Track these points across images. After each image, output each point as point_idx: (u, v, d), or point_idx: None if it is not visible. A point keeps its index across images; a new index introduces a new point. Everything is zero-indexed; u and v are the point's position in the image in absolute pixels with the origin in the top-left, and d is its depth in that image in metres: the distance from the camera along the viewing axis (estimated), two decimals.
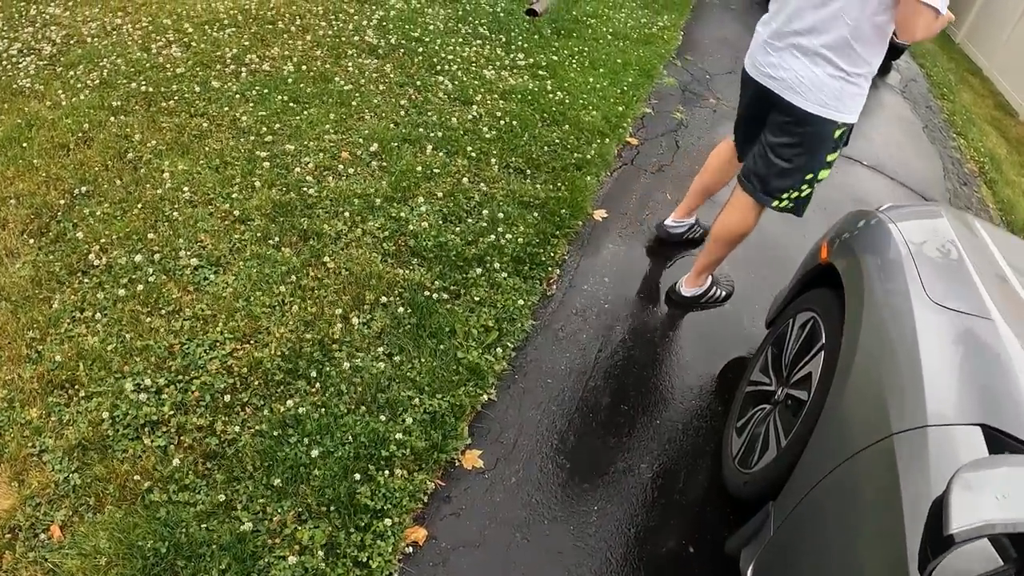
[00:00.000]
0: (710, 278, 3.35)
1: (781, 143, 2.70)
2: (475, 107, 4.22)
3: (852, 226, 2.57)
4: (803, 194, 2.81)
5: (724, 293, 3.47)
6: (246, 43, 4.43)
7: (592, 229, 3.67)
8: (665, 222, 3.73)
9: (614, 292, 3.34)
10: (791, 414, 2.39)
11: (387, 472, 2.37)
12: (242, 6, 4.86)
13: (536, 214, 3.51)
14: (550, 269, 3.28)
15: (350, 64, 4.38)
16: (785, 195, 2.81)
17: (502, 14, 5.54)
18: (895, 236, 2.30)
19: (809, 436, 2.11)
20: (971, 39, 10.53)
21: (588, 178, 3.88)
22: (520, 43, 5.16)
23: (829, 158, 2.70)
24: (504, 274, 3.14)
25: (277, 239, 3.11)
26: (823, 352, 2.30)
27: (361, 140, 3.74)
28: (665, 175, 4.35)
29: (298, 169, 3.50)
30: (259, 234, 3.12)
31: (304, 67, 4.26)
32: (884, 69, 8.13)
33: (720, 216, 3.05)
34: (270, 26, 4.68)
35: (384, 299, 2.93)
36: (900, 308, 1.98)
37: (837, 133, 2.63)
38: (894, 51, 8.10)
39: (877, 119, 6.75)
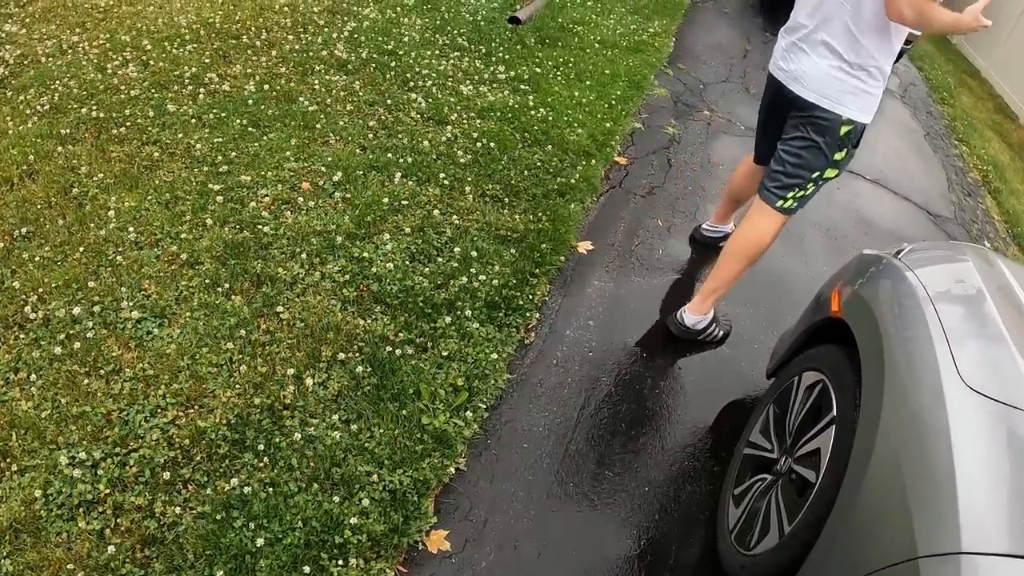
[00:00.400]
0: (713, 311, 3.15)
1: (789, 137, 2.75)
2: (450, 127, 3.92)
3: (865, 273, 2.30)
4: (807, 192, 2.80)
5: (722, 333, 3.24)
6: (207, 60, 4.13)
7: (576, 264, 3.38)
8: (702, 225, 3.74)
9: (599, 337, 3.05)
10: (796, 494, 2.12)
11: (341, 562, 2.10)
12: (206, 19, 4.56)
13: (513, 250, 3.22)
14: (528, 314, 3.00)
15: (317, 82, 4.09)
16: (791, 194, 2.80)
17: (483, 23, 5.24)
18: (918, 291, 2.02)
19: (817, 527, 1.84)
20: (968, 39, 10.29)
21: (572, 205, 3.59)
22: (501, 54, 4.86)
23: (836, 156, 2.68)
24: (476, 323, 2.85)
25: (227, 286, 2.83)
26: (834, 427, 2.02)
27: (324, 168, 3.45)
28: (656, 198, 4.06)
29: (253, 204, 3.21)
30: (208, 280, 2.84)
31: (267, 86, 3.96)
32: None
33: (735, 231, 2.99)
34: (234, 41, 4.38)
35: (342, 355, 2.64)
36: (929, 391, 1.70)
37: (843, 130, 2.62)
38: None
39: (878, 127, 6.47)
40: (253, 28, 4.58)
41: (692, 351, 3.15)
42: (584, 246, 3.49)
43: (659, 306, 3.34)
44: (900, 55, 8.16)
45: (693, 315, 3.13)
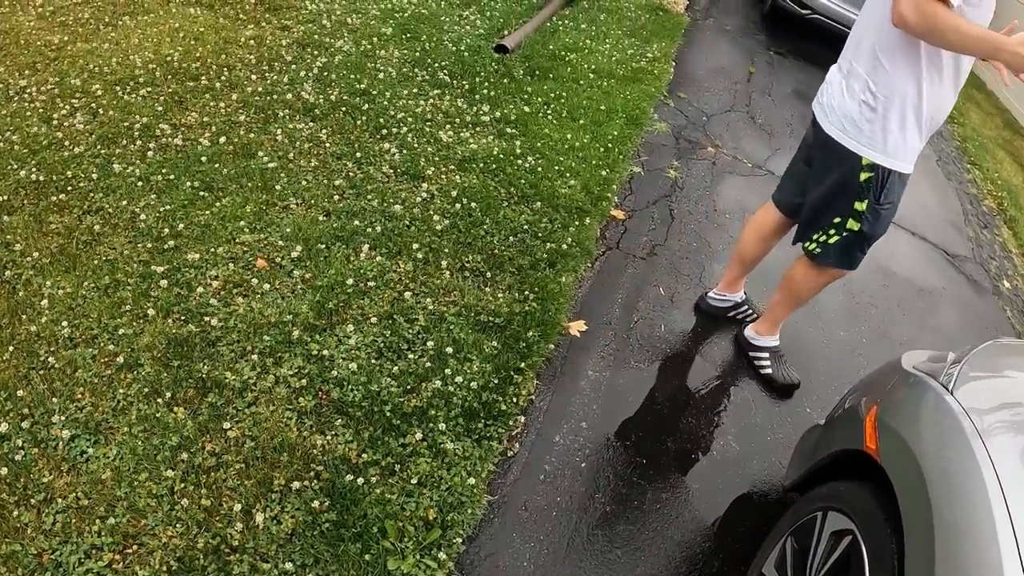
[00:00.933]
0: (773, 340, 3.17)
1: (813, 173, 2.61)
2: (426, 184, 3.54)
3: (908, 404, 1.92)
4: (831, 240, 2.61)
5: (779, 378, 3.16)
6: (160, 108, 3.74)
7: (568, 351, 3.00)
8: (708, 293, 3.45)
9: (593, 443, 2.68)
10: None
11: None
12: (163, 57, 4.16)
13: (495, 342, 2.84)
14: (512, 421, 2.61)
15: (280, 131, 3.69)
16: (816, 236, 2.66)
17: (467, 53, 4.85)
18: (975, 450, 1.63)
19: None
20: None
21: (564, 278, 3.21)
22: (486, 90, 4.47)
23: (856, 206, 2.46)
24: (451, 437, 2.48)
25: (169, 394, 2.48)
26: None
27: (282, 241, 3.06)
28: (658, 260, 3.68)
29: (201, 289, 2.84)
30: (148, 387, 2.49)
31: (223, 138, 3.57)
32: None
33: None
34: (192, 83, 3.98)
35: (297, 484, 2.28)
36: None
37: (862, 176, 2.40)
38: None
39: None
40: (214, 66, 4.18)
41: (697, 452, 2.79)
42: (576, 327, 3.10)
43: (661, 396, 2.96)
44: None
45: (757, 332, 3.16)
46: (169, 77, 4.03)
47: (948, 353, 2.09)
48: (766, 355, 3.19)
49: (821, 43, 8.05)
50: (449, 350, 2.78)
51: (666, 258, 3.72)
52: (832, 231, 2.60)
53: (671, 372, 3.09)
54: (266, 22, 4.77)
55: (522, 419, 2.70)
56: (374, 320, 2.85)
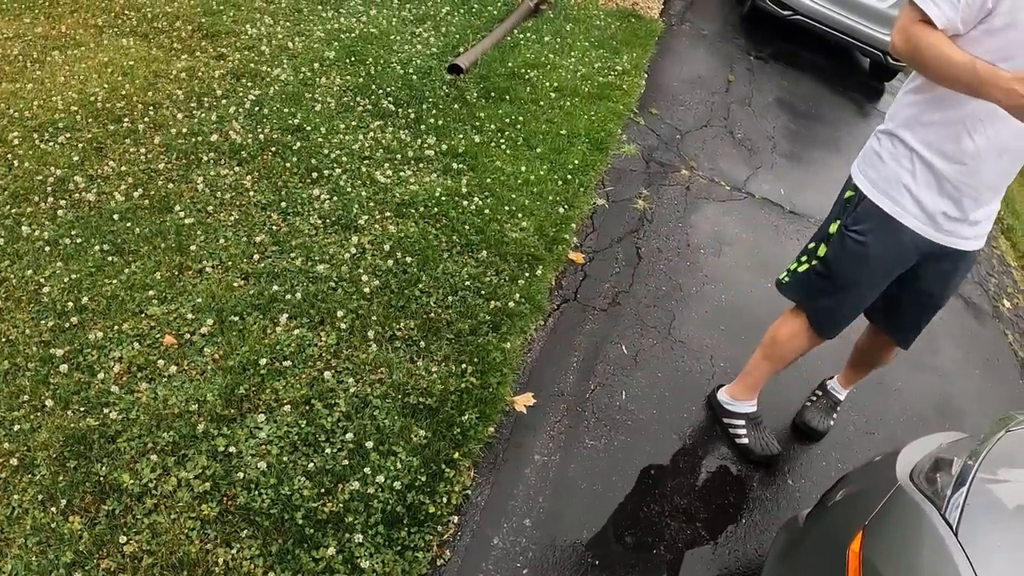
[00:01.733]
0: (750, 405, 2.91)
1: None
2: (358, 236, 3.19)
3: (890, 526, 1.60)
4: (800, 267, 2.50)
5: (756, 449, 2.88)
6: (76, 158, 3.41)
7: (512, 431, 2.65)
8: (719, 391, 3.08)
9: (538, 543, 2.36)
10: None
11: None
12: (88, 97, 3.81)
13: (425, 429, 2.50)
14: (442, 525, 2.26)
15: (201, 179, 3.35)
16: (791, 264, 2.57)
17: (415, 76, 4.50)
18: None
19: None
20: None
21: (509, 343, 2.86)
22: (434, 118, 4.12)
23: (831, 228, 2.36)
24: (370, 550, 2.17)
25: (65, 501, 2.17)
26: None
27: (192, 314, 2.73)
28: (621, 310, 3.33)
29: (102, 374, 2.54)
30: (43, 493, 2.18)
31: (140, 191, 3.25)
32: (876, 93, 7.15)
33: None
34: (114, 126, 3.64)
35: None
36: None
37: (846, 195, 2.33)
38: (886, 71, 7.14)
39: None
40: (140, 105, 3.83)
41: (659, 547, 2.48)
42: (523, 401, 2.75)
43: (619, 481, 2.61)
44: (894, 74, 7.56)
45: (727, 394, 2.94)
46: (90, 120, 3.69)
47: (953, 459, 1.73)
48: (742, 422, 2.90)
49: (803, 45, 7.72)
50: (370, 444, 2.43)
51: (631, 307, 3.37)
52: (803, 258, 2.49)
53: (631, 450, 2.75)
54: (201, 51, 4.42)
55: (455, 519, 2.35)
56: (288, 408, 2.51)
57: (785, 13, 7.03)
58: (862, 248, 2.26)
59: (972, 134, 1.97)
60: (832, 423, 3.10)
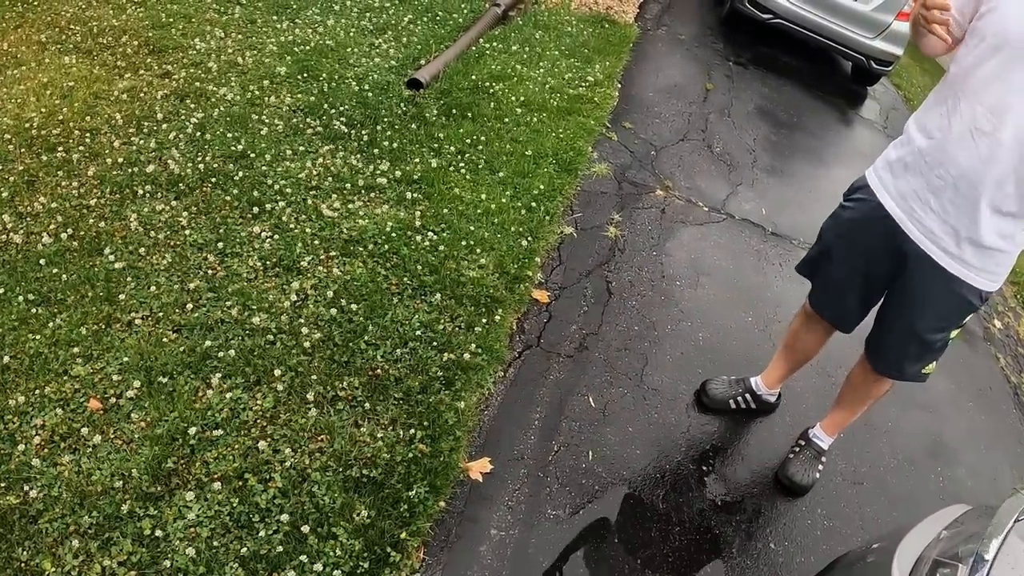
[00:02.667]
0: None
1: None
2: (300, 280, 2.95)
3: None
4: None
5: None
6: (6, 193, 3.16)
7: (466, 503, 2.43)
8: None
9: None
10: None
11: None
12: (23, 123, 3.55)
13: (368, 507, 2.29)
14: None
15: (135, 216, 3.11)
16: None
17: (371, 92, 4.25)
18: None
19: None
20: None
21: (463, 401, 2.64)
22: (389, 140, 3.88)
23: None
24: None
25: None
26: None
27: (118, 375, 2.52)
28: (589, 356, 3.11)
29: (23, 445, 2.32)
30: None
31: (69, 231, 3.01)
32: (858, 98, 6.97)
33: None
34: (48, 155, 3.39)
35: None
36: None
37: None
38: (869, 76, 6.96)
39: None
40: (77, 131, 3.57)
41: None
42: (479, 468, 2.53)
43: (586, 557, 2.40)
44: (877, 78, 7.39)
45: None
46: (23, 149, 3.43)
47: (958, 566, 1.52)
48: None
49: (783, 49, 7.53)
50: (307, 527, 2.19)
51: (599, 352, 3.14)
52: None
53: (599, 520, 2.53)
54: (146, 68, 4.16)
55: None
56: (219, 484, 2.28)
57: (765, 16, 6.83)
58: (843, 213, 2.41)
59: (950, 112, 2.02)
60: (817, 475, 2.89)
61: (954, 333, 2.35)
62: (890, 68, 7.07)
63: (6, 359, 2.53)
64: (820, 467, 2.93)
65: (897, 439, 3.34)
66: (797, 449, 2.94)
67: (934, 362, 2.44)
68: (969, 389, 3.94)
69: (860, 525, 2.91)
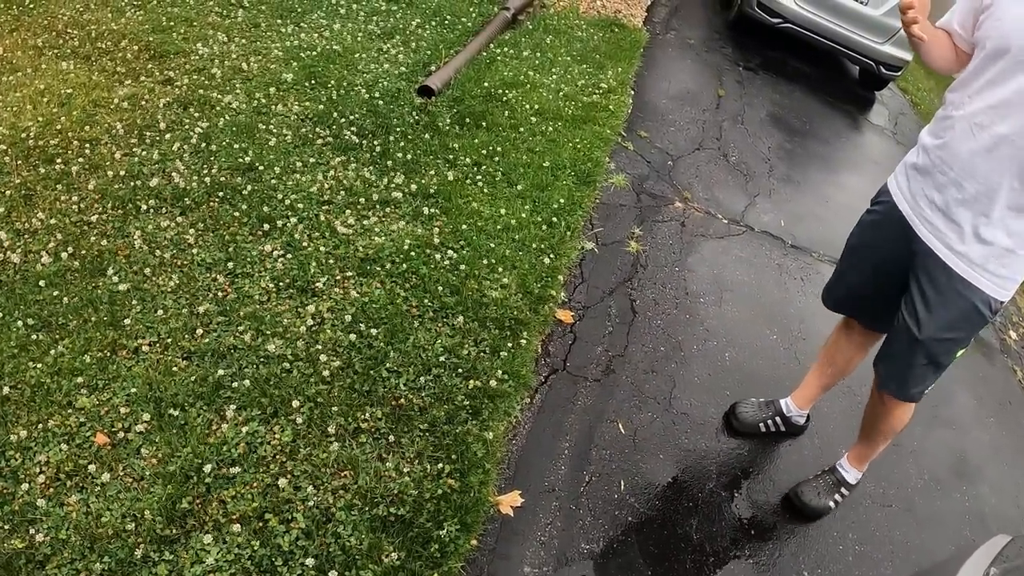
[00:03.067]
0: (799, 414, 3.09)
1: None
2: (316, 303, 2.82)
3: None
4: None
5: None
6: (2, 208, 3.01)
7: (497, 540, 2.32)
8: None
9: None
10: None
11: None
12: (20, 132, 3.42)
13: (397, 548, 2.18)
14: None
15: (139, 233, 2.97)
16: None
17: (382, 100, 4.12)
18: None
19: None
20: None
21: (490, 432, 2.52)
22: (402, 151, 3.76)
23: None
24: None
25: None
26: None
27: (126, 406, 2.40)
28: (616, 379, 3.00)
29: (26, 485, 2.18)
30: None
31: (70, 249, 2.89)
32: (866, 103, 6.89)
33: None
34: (45, 168, 3.25)
35: None
36: None
37: None
38: (877, 81, 6.87)
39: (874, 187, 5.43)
40: (76, 141, 3.43)
41: None
42: (509, 501, 2.41)
43: None
44: (885, 83, 7.31)
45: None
46: (21, 160, 3.29)
47: None
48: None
49: (791, 53, 7.42)
50: (333, 573, 2.07)
51: (626, 375, 3.03)
52: None
53: (634, 553, 2.41)
54: (147, 75, 4.02)
55: None
56: (238, 526, 2.15)
57: (774, 20, 6.73)
58: (866, 218, 2.47)
59: (955, 111, 2.06)
60: (832, 504, 2.81)
61: (960, 352, 2.30)
62: (899, 73, 6.98)
63: (6, 389, 2.40)
64: (839, 496, 2.83)
65: (923, 459, 3.26)
66: (820, 473, 2.85)
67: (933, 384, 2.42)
68: (989, 403, 3.86)
69: (891, 549, 2.82)
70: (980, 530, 3.08)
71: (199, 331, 2.70)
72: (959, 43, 2.16)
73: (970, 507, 3.17)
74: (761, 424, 3.00)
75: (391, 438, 2.49)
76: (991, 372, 4.15)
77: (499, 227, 3.46)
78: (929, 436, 3.41)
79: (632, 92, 5.27)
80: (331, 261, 3.07)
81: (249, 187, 3.37)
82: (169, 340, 2.66)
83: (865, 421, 2.73)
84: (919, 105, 7.85)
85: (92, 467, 2.25)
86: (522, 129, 4.33)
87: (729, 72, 6.44)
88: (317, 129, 3.89)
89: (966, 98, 2.04)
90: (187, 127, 3.71)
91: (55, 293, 2.74)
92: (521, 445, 2.65)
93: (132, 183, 3.28)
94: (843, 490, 2.82)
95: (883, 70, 6.96)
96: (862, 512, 2.93)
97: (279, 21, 4.84)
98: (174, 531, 2.15)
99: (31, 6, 4.37)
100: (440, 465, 2.43)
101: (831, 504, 2.80)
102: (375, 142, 3.88)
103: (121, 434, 2.36)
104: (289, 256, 3.05)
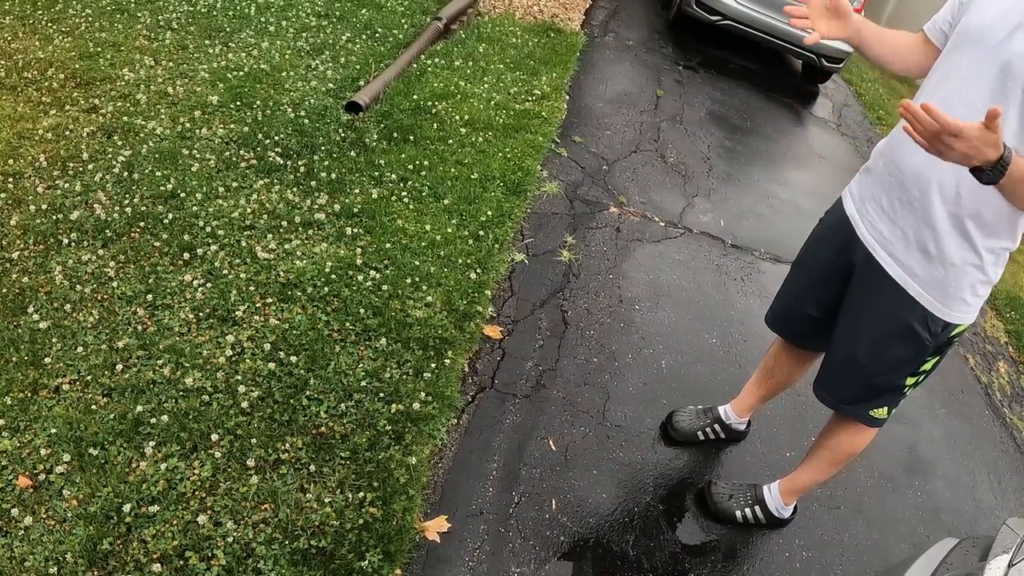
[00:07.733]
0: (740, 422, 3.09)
1: None
2: (235, 332, 2.82)
3: None
4: None
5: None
6: None
7: (424, 565, 2.33)
8: None
9: None
10: None
11: None
12: None
13: None
14: None
15: (60, 269, 2.97)
16: None
17: (308, 119, 4.13)
18: None
19: None
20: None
21: (414, 457, 2.53)
22: (327, 171, 3.77)
23: None
24: None
25: None
26: None
27: (47, 447, 2.40)
28: (547, 394, 3.02)
29: None
30: None
31: None
32: (810, 96, 7.00)
33: None
34: None
35: None
36: None
37: None
38: (821, 74, 7.01)
39: (826, 178, 5.52)
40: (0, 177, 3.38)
41: None
42: (435, 527, 2.43)
43: None
44: (828, 75, 7.44)
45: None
46: None
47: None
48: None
49: (733, 50, 7.53)
50: None
51: (558, 389, 3.06)
52: None
53: (567, 575, 2.42)
54: (72, 103, 3.99)
55: None
56: (159, 566, 2.15)
57: (713, 18, 6.83)
58: (814, 228, 2.43)
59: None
60: (738, 517, 2.79)
61: (910, 381, 2.21)
62: (841, 65, 7.11)
63: None
64: (748, 513, 2.77)
65: (872, 457, 3.31)
66: (743, 486, 2.85)
67: (886, 408, 2.30)
68: (940, 394, 3.93)
69: (840, 552, 2.86)
70: (935, 526, 3.13)
71: (119, 367, 2.70)
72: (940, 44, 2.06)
73: (923, 503, 3.22)
74: (699, 432, 3.02)
75: (312, 468, 2.50)
76: (942, 361, 4.21)
77: (424, 244, 3.48)
78: (878, 432, 3.45)
79: (567, 97, 5.32)
80: (252, 288, 3.08)
81: (171, 215, 3.37)
82: (89, 377, 2.65)
83: (815, 444, 2.64)
84: (863, 96, 8.00)
85: (15, 511, 2.24)
86: (451, 141, 4.36)
87: (669, 72, 6.53)
88: (241, 152, 3.89)
89: (923, 91, 2.00)
90: (110, 156, 3.70)
91: None
92: (447, 468, 2.68)
93: (54, 216, 3.26)
94: (757, 509, 2.76)
95: (825, 63, 7.09)
96: (808, 516, 2.97)
97: (207, 42, 4.83)
98: (96, 573, 2.15)
99: None
100: (362, 494, 2.45)
101: (738, 515, 2.75)
102: (300, 162, 3.89)
103: (43, 475, 2.36)
104: (209, 285, 3.05)
